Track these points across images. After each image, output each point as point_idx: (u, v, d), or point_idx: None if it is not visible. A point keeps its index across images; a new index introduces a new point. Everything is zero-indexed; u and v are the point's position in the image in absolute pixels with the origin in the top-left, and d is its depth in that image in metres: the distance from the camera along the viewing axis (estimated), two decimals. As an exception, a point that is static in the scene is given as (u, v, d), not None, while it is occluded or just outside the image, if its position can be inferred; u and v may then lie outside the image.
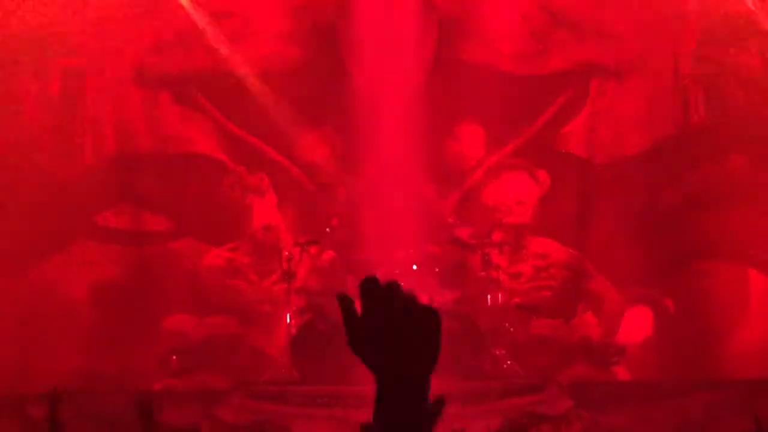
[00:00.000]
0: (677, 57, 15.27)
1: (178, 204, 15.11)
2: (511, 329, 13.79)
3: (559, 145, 15.45)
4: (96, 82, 15.27)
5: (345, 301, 2.00)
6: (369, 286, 2.01)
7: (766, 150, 14.92)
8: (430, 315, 2.02)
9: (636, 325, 14.94)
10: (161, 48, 15.28)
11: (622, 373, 14.74)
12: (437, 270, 13.66)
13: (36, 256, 14.82)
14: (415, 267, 13.63)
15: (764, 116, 15.03)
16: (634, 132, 15.11)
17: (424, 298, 13.46)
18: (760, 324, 14.57)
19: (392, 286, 2.00)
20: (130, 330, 14.51)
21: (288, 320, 13.22)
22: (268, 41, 15.50)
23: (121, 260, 15.16)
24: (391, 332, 1.96)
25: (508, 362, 13.26)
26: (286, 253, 13.61)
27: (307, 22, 15.53)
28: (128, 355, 14.36)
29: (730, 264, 14.90)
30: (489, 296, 13.56)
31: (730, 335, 14.53)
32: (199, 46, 15.29)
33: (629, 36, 15.21)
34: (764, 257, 14.82)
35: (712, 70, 15.19)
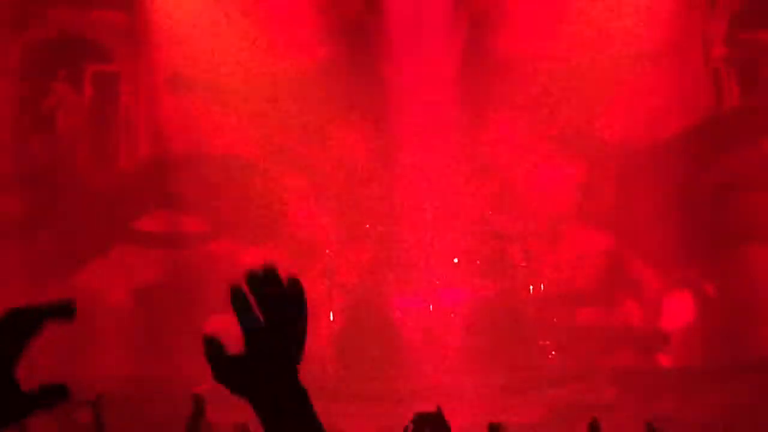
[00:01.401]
0: (706, 40, 15.18)
1: (214, 205, 15.14)
2: (554, 319, 13.76)
3: (594, 132, 15.39)
4: (129, 86, 15.32)
5: (210, 344, 1.99)
6: (237, 296, 2.00)
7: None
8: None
9: (677, 311, 14.88)
10: (194, 52, 15.31)
11: (665, 359, 14.68)
12: (478, 262, 13.65)
13: (77, 263, 14.90)
14: (456, 260, 13.64)
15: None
16: (668, 116, 15.03)
17: (465, 292, 13.49)
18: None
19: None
20: (173, 332, 14.55)
21: (331, 317, 13.23)
22: (300, 41, 15.52)
23: (159, 263, 15.22)
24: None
25: (552, 352, 13.25)
26: (327, 250, 13.63)
27: (337, 19, 15.53)
28: (172, 358, 14.41)
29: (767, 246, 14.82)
30: (531, 287, 13.54)
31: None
32: (231, 48, 15.32)
33: (659, 21, 15.13)
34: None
35: (744, 53, 15.09)
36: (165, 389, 13.66)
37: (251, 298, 1.97)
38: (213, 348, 1.98)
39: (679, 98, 15.06)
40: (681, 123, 15.09)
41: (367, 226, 14.22)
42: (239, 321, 1.97)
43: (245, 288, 1.97)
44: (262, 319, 1.95)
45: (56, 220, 14.81)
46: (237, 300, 1.97)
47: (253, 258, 15.18)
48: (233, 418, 12.52)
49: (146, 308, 14.85)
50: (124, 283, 15.07)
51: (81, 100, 15.33)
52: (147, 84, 15.33)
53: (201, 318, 14.58)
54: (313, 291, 14.45)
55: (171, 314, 14.62)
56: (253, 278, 1.96)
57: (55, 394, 1.94)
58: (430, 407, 11.34)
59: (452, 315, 13.28)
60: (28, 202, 14.86)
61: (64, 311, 1.95)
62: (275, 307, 1.95)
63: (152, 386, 13.81)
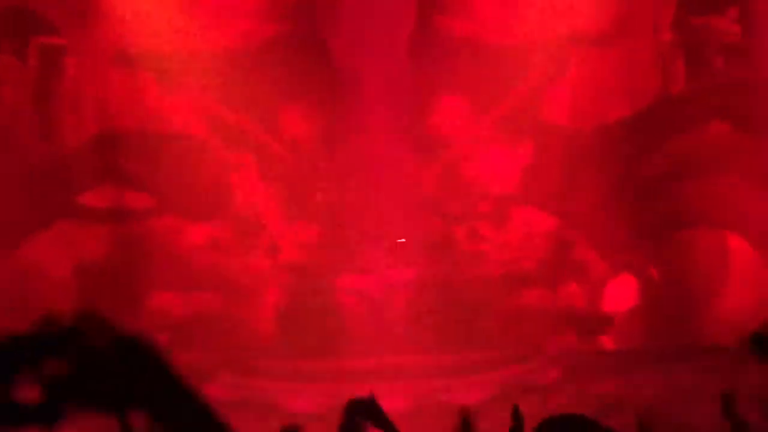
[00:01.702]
0: (656, 24, 15.27)
1: (160, 182, 15.04)
2: (499, 300, 13.82)
3: (541, 114, 15.43)
4: (75, 60, 15.17)
5: None
6: None
7: (746, 117, 14.95)
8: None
9: (621, 294, 14.99)
10: (141, 27, 15.17)
11: (608, 341, 14.80)
12: (423, 243, 13.67)
13: (19, 237, 14.77)
14: (401, 240, 13.65)
15: (744, 82, 15.05)
16: (616, 100, 15.10)
17: (411, 272, 13.51)
18: (742, 289, 14.63)
19: None
20: (115, 309, 14.43)
21: (275, 295, 13.21)
22: (247, 17, 15.44)
23: (103, 239, 15.11)
24: None
25: (497, 333, 13.31)
26: (272, 228, 13.60)
27: (286, -3, 15.48)
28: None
29: (712, 231, 14.94)
30: (476, 268, 13.57)
31: (713, 301, 14.59)
32: (179, 25, 15.21)
33: (609, 5, 15.18)
34: (745, 223, 14.87)
35: (692, 37, 15.19)
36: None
37: None
38: None
39: (627, 82, 15.14)
40: (628, 107, 15.16)
41: (314, 204, 14.17)
42: None
43: None
44: None
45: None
46: None
47: (198, 235, 15.13)
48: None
49: (89, 283, 14.75)
50: (68, 257, 14.95)
51: (25, 73, 15.16)
52: (94, 58, 15.17)
53: (145, 294, 14.52)
54: (258, 269, 14.42)
55: (114, 290, 14.53)
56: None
57: None
58: (374, 387, 11.35)
59: (398, 295, 13.29)
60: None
61: None
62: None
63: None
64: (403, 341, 13.02)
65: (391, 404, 10.99)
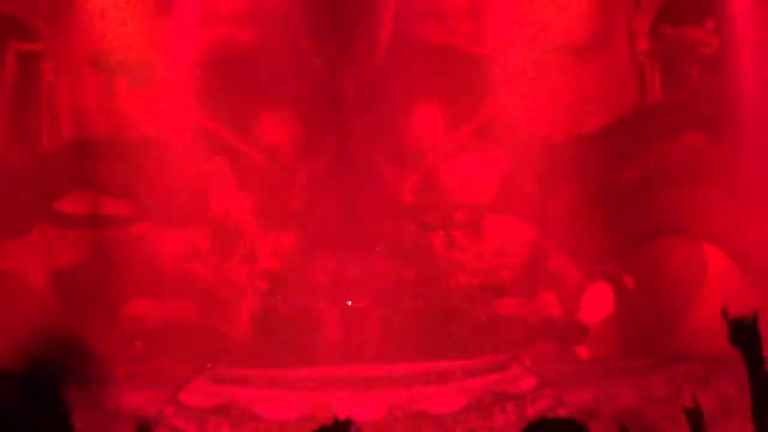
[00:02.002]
0: (633, 34, 15.33)
1: (136, 189, 14.99)
2: (475, 309, 13.82)
3: (517, 124, 15.44)
4: (52, 66, 15.13)
5: None
6: None
7: (722, 127, 15.00)
8: None
9: (597, 303, 15.02)
10: (117, 33, 15.14)
11: (584, 351, 14.83)
12: (400, 251, 13.67)
13: (-5, 242, 14.72)
14: (378, 249, 13.65)
15: (720, 93, 15.11)
16: (593, 110, 15.13)
17: (387, 280, 13.51)
18: (717, 298, 14.65)
19: None
20: (91, 315, 14.42)
21: (251, 303, 13.18)
22: (223, 23, 15.43)
23: (80, 245, 15.07)
24: None
25: (472, 342, 13.31)
26: (249, 235, 13.57)
27: (262, 3, 15.45)
28: (90, 341, 14.27)
29: (688, 240, 14.99)
30: (452, 276, 13.58)
31: (689, 310, 14.62)
32: (154, 30, 15.18)
33: (586, 15, 15.22)
34: (720, 233, 14.91)
35: (669, 48, 15.25)
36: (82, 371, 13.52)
37: None
38: None
39: (604, 91, 15.17)
40: (604, 116, 15.20)
41: (290, 212, 14.16)
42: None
43: None
44: None
45: (-26, 199, 14.60)
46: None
47: (174, 242, 15.10)
48: (148, 403, 12.48)
49: (65, 290, 14.69)
50: (44, 264, 14.90)
51: (2, 79, 15.11)
52: (70, 64, 15.13)
53: (121, 300, 14.47)
54: (234, 276, 14.40)
55: (90, 296, 14.48)
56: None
57: None
58: (349, 395, 11.35)
59: (374, 303, 13.28)
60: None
61: None
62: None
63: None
64: (378, 349, 13.02)
65: (366, 413, 11.01)
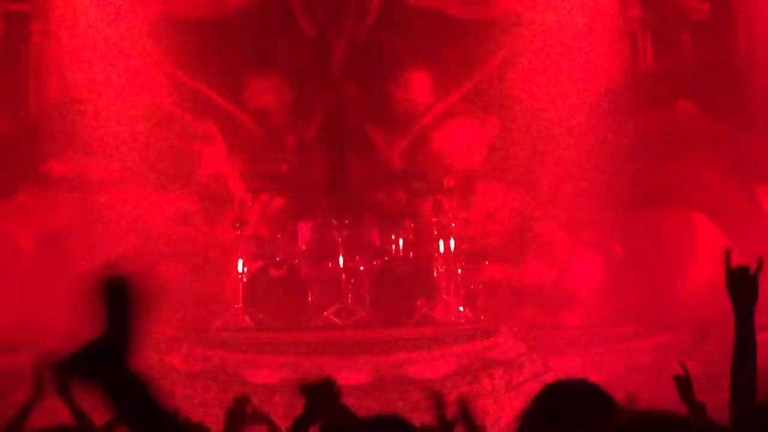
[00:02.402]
0: (624, 1, 15.27)
1: (123, 151, 14.92)
2: (463, 275, 13.81)
3: (507, 90, 15.41)
4: (41, 27, 15.03)
5: None
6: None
7: (713, 96, 14.99)
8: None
9: (585, 271, 15.03)
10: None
11: (571, 318, 14.85)
12: (388, 216, 13.65)
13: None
14: (367, 214, 13.64)
15: (712, 62, 15.08)
16: (584, 77, 15.08)
17: (375, 245, 13.50)
18: (706, 268, 14.68)
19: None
20: (78, 278, 14.34)
21: (240, 267, 13.15)
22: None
23: (66, 208, 15.01)
24: None
25: (460, 308, 13.31)
26: (238, 200, 13.54)
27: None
28: (76, 305, 14.20)
29: (677, 209, 15.01)
30: (440, 242, 13.56)
31: (677, 279, 14.66)
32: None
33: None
34: (710, 203, 14.92)
35: (660, 15, 15.19)
36: (67, 337, 13.49)
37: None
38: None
39: (595, 59, 15.11)
40: (596, 84, 15.15)
41: (279, 176, 14.12)
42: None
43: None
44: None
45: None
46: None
47: (162, 205, 15.06)
48: (135, 366, 12.43)
49: (51, 253, 14.65)
50: (30, 227, 14.85)
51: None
52: (59, 26, 15.02)
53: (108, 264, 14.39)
54: (223, 240, 14.37)
55: (77, 260, 14.43)
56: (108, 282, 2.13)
57: None
58: (336, 359, 11.35)
59: (361, 268, 13.27)
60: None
61: None
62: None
63: (54, 333, 13.60)
64: (365, 315, 13.02)
65: (352, 377, 11.02)
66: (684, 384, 5.59)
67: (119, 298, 2.23)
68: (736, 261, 4.35)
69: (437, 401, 5.48)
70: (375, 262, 13.17)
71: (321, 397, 5.33)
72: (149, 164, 15.02)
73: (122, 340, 2.21)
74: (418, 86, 15.50)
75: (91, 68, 15.02)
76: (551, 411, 3.60)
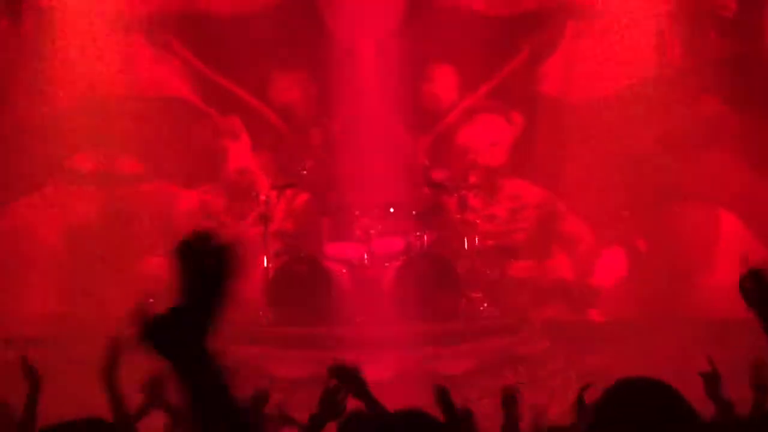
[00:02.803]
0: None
1: (150, 146, 15.00)
2: (487, 271, 13.82)
3: (533, 86, 15.42)
4: (68, 22, 15.09)
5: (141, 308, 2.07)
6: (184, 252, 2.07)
7: (739, 92, 14.95)
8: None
9: (609, 266, 15.02)
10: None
11: (596, 313, 14.84)
12: (414, 212, 13.65)
13: (8, 199, 14.75)
14: (391, 210, 13.63)
15: (739, 58, 15.03)
16: (610, 73, 15.06)
17: (400, 241, 13.51)
18: (730, 264, 14.64)
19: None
20: (103, 273, 14.45)
21: (265, 263, 13.19)
22: (242, -17, 15.43)
23: (92, 203, 15.11)
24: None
25: (484, 304, 13.31)
26: (263, 195, 13.56)
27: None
28: (102, 299, 14.30)
29: (702, 205, 14.98)
30: (465, 238, 13.56)
31: (702, 275, 14.63)
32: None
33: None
34: (735, 199, 14.89)
35: (688, 11, 15.14)
36: (93, 330, 13.56)
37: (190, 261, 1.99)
38: (143, 311, 1.99)
39: (623, 54, 15.07)
40: (622, 79, 15.11)
41: (304, 172, 14.13)
42: (180, 278, 1.99)
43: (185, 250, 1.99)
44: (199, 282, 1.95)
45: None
46: (184, 256, 1.99)
47: (187, 201, 15.12)
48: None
49: (77, 247, 14.73)
50: (56, 221, 14.94)
51: (20, 34, 15.09)
52: (87, 21, 15.09)
53: (134, 259, 14.49)
54: (248, 236, 14.40)
55: (104, 254, 14.51)
56: (190, 244, 1.99)
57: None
58: (360, 355, 11.37)
59: (386, 264, 13.29)
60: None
61: None
62: (211, 274, 1.97)
63: (80, 326, 13.68)
64: (390, 310, 13.03)
65: (376, 373, 11.00)
66: (711, 380, 5.57)
67: (210, 265, 2.11)
68: (762, 256, 4.25)
69: (442, 395, 5.46)
70: (399, 258, 13.15)
71: (350, 378, 5.36)
72: (175, 160, 15.10)
73: (206, 313, 2.10)
74: (443, 82, 15.52)
75: (117, 63, 15.10)
76: (625, 407, 3.48)
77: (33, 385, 5.86)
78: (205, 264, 2.01)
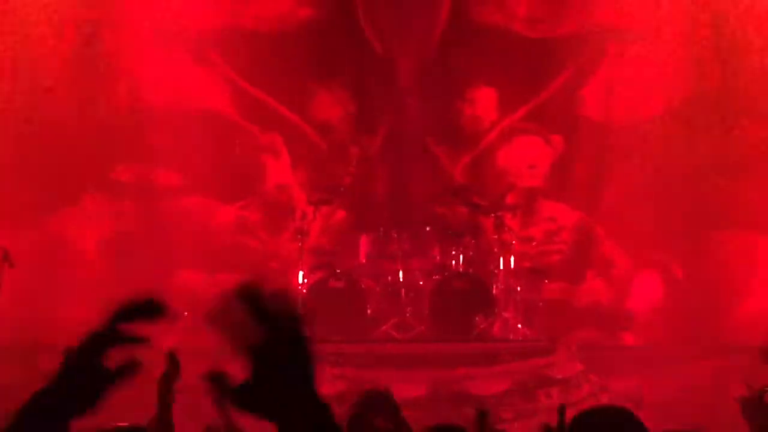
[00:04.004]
0: (694, 22, 15.21)
1: (189, 160, 15.08)
2: (522, 293, 13.81)
3: (573, 108, 15.42)
4: (111, 35, 15.22)
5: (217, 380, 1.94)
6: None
7: (781, 118, 14.90)
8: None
9: (645, 291, 14.96)
10: (177, 3, 15.24)
11: (630, 338, 14.80)
12: (449, 232, 13.67)
13: (49, 209, 14.86)
14: (428, 228, 13.66)
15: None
16: (649, 96, 15.05)
17: (435, 260, 13.52)
18: (767, 291, 14.58)
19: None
20: (140, 285, 14.49)
21: (300, 279, 13.23)
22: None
23: (131, 215, 15.19)
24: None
25: (519, 325, 13.30)
26: (300, 211, 13.61)
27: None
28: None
29: (740, 231, 14.90)
30: (501, 259, 13.56)
31: (738, 302, 14.54)
32: (214, 3, 15.28)
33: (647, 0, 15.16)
34: (774, 226, 14.82)
35: (728, 36, 15.12)
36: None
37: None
38: (220, 383, 1.91)
39: (663, 78, 15.06)
40: (661, 103, 15.11)
41: (341, 189, 14.19)
42: (236, 341, 1.89)
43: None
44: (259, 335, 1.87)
45: (30, 166, 14.75)
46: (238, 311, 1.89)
47: (225, 215, 15.18)
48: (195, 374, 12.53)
49: (116, 258, 14.82)
50: (95, 232, 15.03)
51: (62, 46, 15.23)
52: (129, 34, 15.22)
53: (171, 272, 14.56)
54: (285, 252, 14.46)
55: (140, 267, 14.58)
56: (243, 293, 1.89)
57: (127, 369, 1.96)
58: (393, 373, 11.39)
59: (421, 283, 13.30)
60: (1, 146, 14.77)
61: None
62: (273, 322, 1.88)
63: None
64: (424, 329, 13.04)
65: (409, 391, 11.04)
66: (749, 405, 5.54)
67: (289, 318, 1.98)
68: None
69: (482, 417, 5.44)
70: (435, 277, 13.17)
71: (380, 401, 5.36)
72: (214, 174, 15.17)
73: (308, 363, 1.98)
74: (483, 103, 15.53)
75: (159, 76, 15.21)
76: None
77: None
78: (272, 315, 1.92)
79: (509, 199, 14.46)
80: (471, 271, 13.44)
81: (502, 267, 13.59)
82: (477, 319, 13.14)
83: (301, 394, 1.94)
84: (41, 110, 15.01)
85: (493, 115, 15.56)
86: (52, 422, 2.12)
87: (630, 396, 11.68)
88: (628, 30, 15.21)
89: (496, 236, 13.74)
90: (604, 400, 12.30)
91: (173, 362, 6.09)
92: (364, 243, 13.79)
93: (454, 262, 13.40)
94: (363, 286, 13.04)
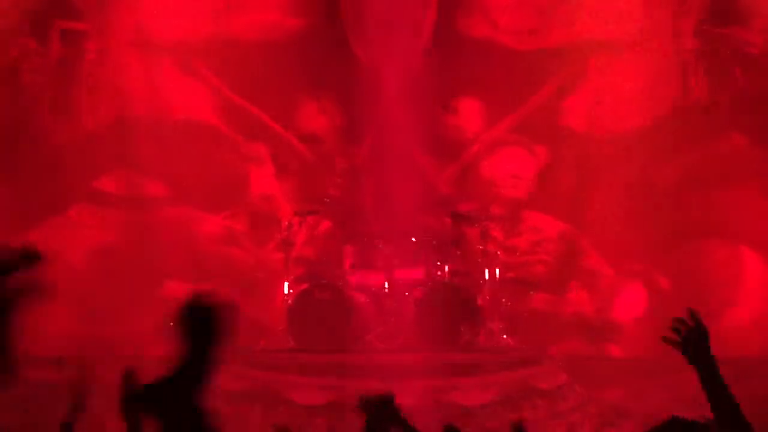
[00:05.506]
0: (678, 33, 15.25)
1: (174, 170, 15.07)
2: (507, 303, 13.83)
3: (557, 119, 15.45)
4: (96, 46, 15.22)
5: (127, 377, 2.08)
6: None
7: (764, 129, 14.94)
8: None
9: (630, 302, 14.99)
10: (162, 13, 15.23)
11: (615, 349, 14.82)
12: (435, 242, 13.68)
13: (33, 220, 14.82)
14: (413, 239, 13.66)
15: (764, 95, 15.02)
16: (633, 108, 15.09)
17: (421, 271, 13.53)
18: (753, 303, 14.62)
19: None
20: (126, 296, 14.52)
21: (286, 289, 13.23)
22: (269, 9, 15.50)
23: (117, 225, 15.18)
24: None
25: (504, 336, 13.31)
26: (286, 222, 13.62)
27: (308, -9, 15.54)
28: (124, 321, 14.38)
29: (725, 242, 14.94)
30: (486, 269, 13.57)
31: (724, 313, 14.57)
32: (200, 13, 15.28)
33: (630, 12, 15.19)
34: (759, 237, 14.85)
35: (713, 47, 15.17)
36: (117, 351, 13.63)
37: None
38: (128, 383, 2.02)
39: (646, 90, 15.11)
40: (645, 115, 15.15)
41: (326, 200, 14.20)
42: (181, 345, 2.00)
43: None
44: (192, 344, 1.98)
45: (15, 176, 14.73)
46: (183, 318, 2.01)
47: (210, 225, 15.17)
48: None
49: (101, 270, 14.80)
50: (81, 243, 15.01)
51: (46, 57, 15.21)
52: (114, 44, 15.22)
53: (156, 282, 14.54)
54: (270, 262, 14.46)
55: (126, 277, 14.58)
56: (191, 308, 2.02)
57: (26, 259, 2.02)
58: (380, 383, 11.38)
59: (406, 293, 13.31)
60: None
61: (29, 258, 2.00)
62: (204, 334, 2.00)
63: (104, 347, 13.76)
64: (410, 339, 13.04)
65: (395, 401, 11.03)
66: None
67: (203, 329, 2.15)
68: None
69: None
70: (420, 288, 13.17)
71: (382, 411, 5.33)
72: (200, 184, 15.17)
73: (198, 373, 2.13)
74: (468, 114, 15.55)
75: (145, 86, 15.20)
76: None
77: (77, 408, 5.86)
78: (200, 326, 2.06)
79: (494, 210, 14.47)
80: (456, 281, 13.45)
81: (487, 277, 13.59)
82: (462, 329, 13.13)
83: (183, 403, 2.06)
84: (26, 121, 14.98)
85: (478, 126, 15.58)
86: None
87: (616, 407, 11.71)
88: (612, 42, 15.24)
89: (481, 247, 13.75)
90: (591, 411, 12.34)
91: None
92: (349, 253, 13.78)
93: (439, 272, 13.41)
94: (348, 296, 13.03)
